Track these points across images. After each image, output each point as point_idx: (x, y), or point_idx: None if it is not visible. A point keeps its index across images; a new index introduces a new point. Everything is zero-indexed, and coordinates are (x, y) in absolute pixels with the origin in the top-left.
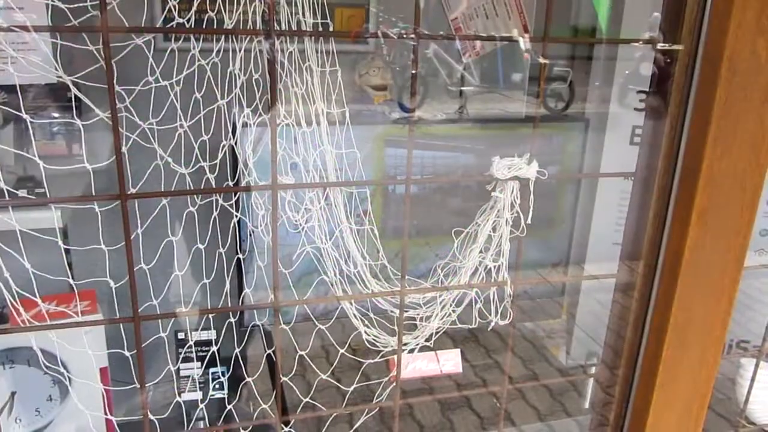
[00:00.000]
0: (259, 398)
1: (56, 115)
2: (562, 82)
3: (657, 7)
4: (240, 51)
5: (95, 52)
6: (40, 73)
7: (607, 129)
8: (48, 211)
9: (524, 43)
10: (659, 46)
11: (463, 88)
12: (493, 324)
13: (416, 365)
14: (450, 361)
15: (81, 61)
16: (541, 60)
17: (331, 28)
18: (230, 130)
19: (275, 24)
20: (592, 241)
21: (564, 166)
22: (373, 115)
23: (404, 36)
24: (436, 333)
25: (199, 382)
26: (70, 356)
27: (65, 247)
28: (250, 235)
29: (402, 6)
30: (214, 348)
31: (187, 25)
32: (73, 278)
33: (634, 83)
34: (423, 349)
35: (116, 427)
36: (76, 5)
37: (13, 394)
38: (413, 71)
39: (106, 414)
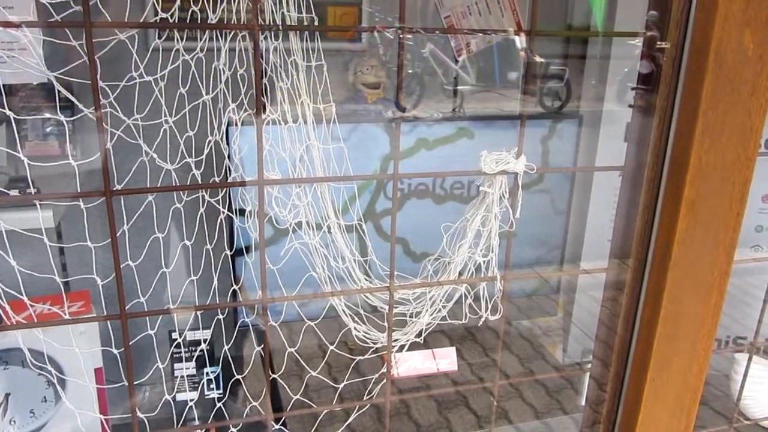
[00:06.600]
0: (249, 397)
1: (48, 115)
2: (558, 80)
3: (650, 6)
4: (224, 46)
5: (78, 47)
6: (25, 71)
7: (601, 126)
8: (40, 211)
9: (520, 41)
10: (639, 40)
11: (458, 87)
12: (483, 319)
13: (412, 363)
14: (446, 359)
15: (73, 60)
16: (537, 59)
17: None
18: (216, 126)
19: (261, 20)
20: (587, 238)
21: (558, 164)
22: (368, 114)
23: (397, 32)
24: (427, 329)
25: (193, 382)
26: (64, 357)
27: (54, 245)
28: (241, 232)
29: (395, 4)
30: (204, 346)
31: (171, 20)
32: (67, 278)
33: (633, 81)
34: (416, 346)
35: (107, 428)
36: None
37: (7, 395)
38: (406, 69)
39: (100, 415)
